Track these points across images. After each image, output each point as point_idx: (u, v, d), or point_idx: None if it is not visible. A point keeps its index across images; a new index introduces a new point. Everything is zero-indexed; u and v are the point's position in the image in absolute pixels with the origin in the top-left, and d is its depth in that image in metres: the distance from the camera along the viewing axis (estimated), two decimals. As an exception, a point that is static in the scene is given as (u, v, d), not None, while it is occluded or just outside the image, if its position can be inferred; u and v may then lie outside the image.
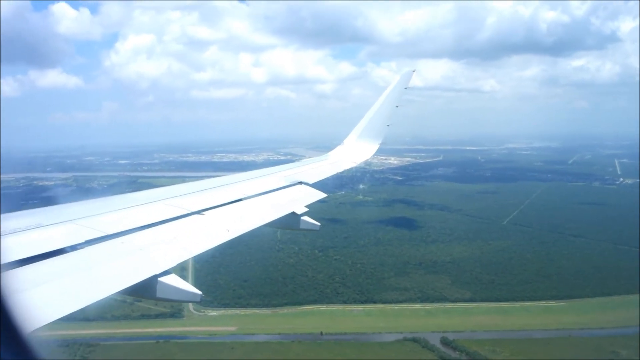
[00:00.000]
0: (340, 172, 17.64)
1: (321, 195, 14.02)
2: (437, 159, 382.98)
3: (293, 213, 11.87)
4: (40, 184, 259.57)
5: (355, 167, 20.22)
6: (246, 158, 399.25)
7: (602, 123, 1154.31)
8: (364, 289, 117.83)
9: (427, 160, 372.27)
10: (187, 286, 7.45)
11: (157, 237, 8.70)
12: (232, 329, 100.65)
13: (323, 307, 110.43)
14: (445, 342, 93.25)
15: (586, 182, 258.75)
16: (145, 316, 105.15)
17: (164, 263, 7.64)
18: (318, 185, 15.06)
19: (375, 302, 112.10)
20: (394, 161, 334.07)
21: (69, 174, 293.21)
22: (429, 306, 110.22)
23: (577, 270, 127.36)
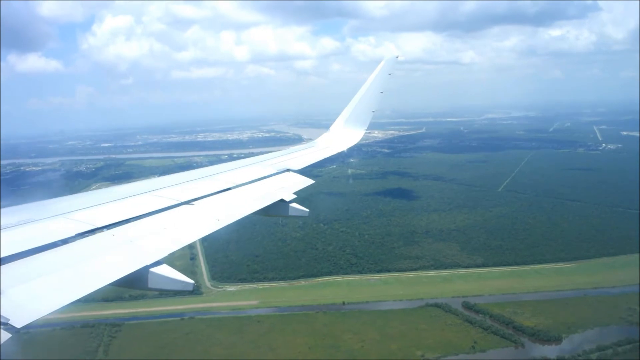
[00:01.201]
0: (327, 158, 17.82)
1: (309, 182, 14.14)
2: (420, 131, 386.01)
3: (281, 200, 11.99)
4: (27, 169, 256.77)
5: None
6: (230, 136, 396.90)
7: (576, 92, 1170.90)
8: (377, 259, 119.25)
9: (411, 133, 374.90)
10: (179, 275, 7.49)
11: (148, 228, 8.79)
12: (254, 302, 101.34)
13: (339, 278, 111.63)
14: (467, 306, 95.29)
15: (571, 149, 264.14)
16: (164, 295, 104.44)
17: (155, 254, 7.73)
18: (305, 172, 15.27)
19: (390, 271, 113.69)
20: (378, 134, 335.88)
21: (55, 159, 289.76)
22: (443, 273, 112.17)
23: (579, 233, 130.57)
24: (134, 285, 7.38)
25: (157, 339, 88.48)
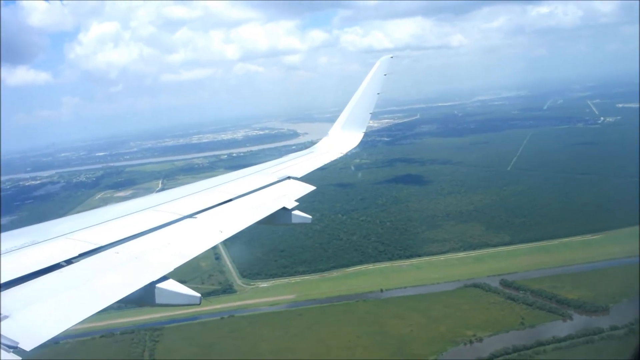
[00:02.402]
0: (327, 164, 17.76)
1: (310, 188, 14.13)
2: (415, 117, 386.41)
3: (284, 208, 11.99)
4: (27, 184, 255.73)
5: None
6: (224, 136, 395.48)
7: (563, 68, 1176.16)
8: (404, 245, 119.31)
9: (405, 120, 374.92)
10: (186, 290, 7.52)
11: (152, 244, 8.76)
12: (291, 296, 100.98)
13: (370, 267, 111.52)
14: (505, 284, 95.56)
15: (570, 125, 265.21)
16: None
17: (160, 269, 7.72)
18: (306, 179, 15.18)
19: (420, 256, 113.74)
20: (374, 124, 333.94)
21: (52, 172, 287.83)
22: (473, 253, 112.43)
23: (597, 205, 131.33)
24: (141, 301, 7.44)
25: (202, 339, 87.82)
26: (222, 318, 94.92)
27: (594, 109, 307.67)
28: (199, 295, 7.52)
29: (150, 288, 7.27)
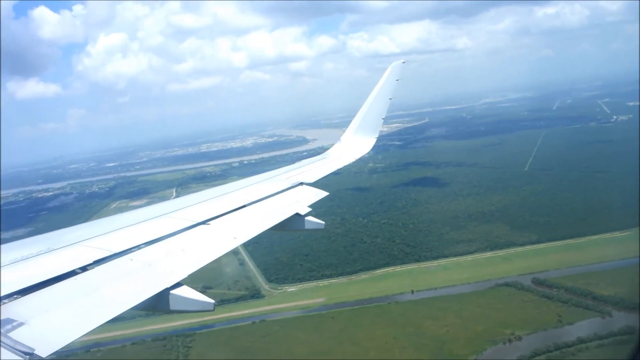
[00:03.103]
0: (340, 169, 17.77)
1: (323, 194, 14.09)
2: (423, 121, 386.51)
3: (297, 214, 12.00)
4: (39, 196, 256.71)
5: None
6: (233, 144, 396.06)
7: (568, 69, 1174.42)
8: (430, 246, 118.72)
9: (415, 124, 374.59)
10: (200, 296, 7.57)
11: (165, 250, 8.82)
12: (321, 300, 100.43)
13: (398, 268, 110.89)
14: (537, 282, 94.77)
15: (582, 124, 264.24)
16: (225, 301, 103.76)
17: (174, 276, 7.77)
18: (320, 184, 15.16)
19: (446, 257, 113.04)
20: (384, 128, 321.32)
21: (63, 183, 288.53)
22: (500, 253, 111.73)
23: (622, 202, 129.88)
24: (156, 307, 7.47)
25: (235, 344, 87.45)
26: (253, 323, 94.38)
27: (604, 107, 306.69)
28: (212, 301, 7.58)
29: (164, 294, 7.35)
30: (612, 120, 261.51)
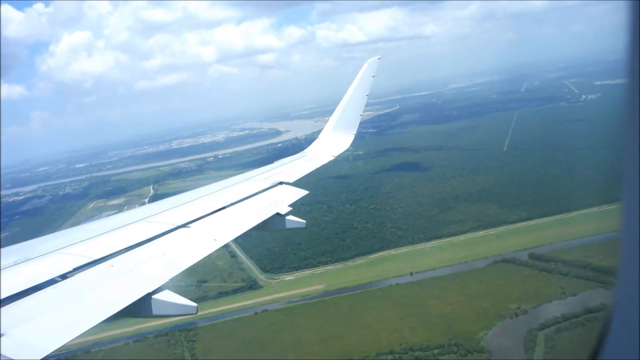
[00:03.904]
0: (319, 167, 17.80)
1: (303, 192, 14.21)
2: (394, 108, 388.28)
3: (277, 214, 12.10)
4: (10, 200, 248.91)
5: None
6: (204, 140, 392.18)
7: (531, 52, 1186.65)
8: (422, 228, 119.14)
9: (386, 111, 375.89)
10: (182, 300, 7.55)
11: (146, 255, 8.83)
12: (321, 286, 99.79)
13: (392, 252, 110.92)
14: (534, 257, 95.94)
15: (553, 104, 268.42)
16: (223, 294, 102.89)
17: (155, 281, 7.78)
18: (299, 183, 15.31)
19: (440, 238, 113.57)
20: None
21: (34, 186, 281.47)
22: (493, 231, 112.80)
23: (606, 176, 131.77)
24: (138, 313, 7.44)
25: (240, 335, 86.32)
26: (255, 313, 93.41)
27: (572, 88, 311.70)
28: (195, 304, 7.50)
29: (146, 299, 7.27)
30: (582, 99, 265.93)
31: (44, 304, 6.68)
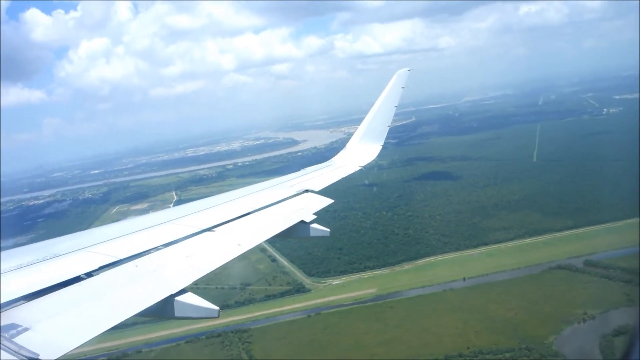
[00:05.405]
0: (346, 177, 17.60)
1: (328, 201, 14.01)
2: (411, 120, 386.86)
3: (302, 222, 11.97)
4: (30, 204, 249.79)
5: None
6: (220, 148, 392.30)
7: (543, 66, 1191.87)
8: (466, 235, 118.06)
9: (403, 123, 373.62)
10: (204, 303, 7.54)
11: (170, 257, 8.90)
12: (372, 290, 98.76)
13: (440, 257, 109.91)
14: (590, 264, 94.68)
15: (575, 117, 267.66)
16: (271, 297, 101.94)
17: (179, 282, 7.81)
18: (326, 189, 15.20)
19: (487, 244, 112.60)
20: None
21: (52, 191, 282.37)
22: (541, 238, 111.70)
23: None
24: (160, 314, 7.51)
25: (296, 337, 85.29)
26: (309, 316, 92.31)
27: (591, 102, 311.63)
28: (217, 308, 7.50)
29: (169, 301, 7.32)
30: (604, 112, 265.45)
31: (68, 301, 6.76)
